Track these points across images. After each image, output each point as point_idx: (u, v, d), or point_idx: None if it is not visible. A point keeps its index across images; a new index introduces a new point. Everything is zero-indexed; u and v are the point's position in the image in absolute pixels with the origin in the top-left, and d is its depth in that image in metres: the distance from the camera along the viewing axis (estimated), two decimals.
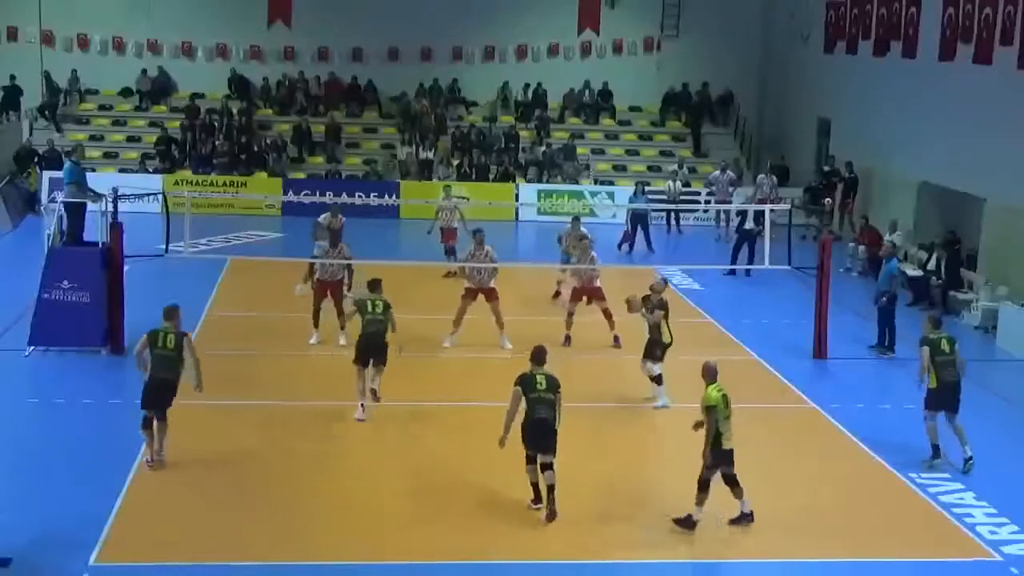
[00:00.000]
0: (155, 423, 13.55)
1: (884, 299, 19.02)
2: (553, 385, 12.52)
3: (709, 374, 12.35)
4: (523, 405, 12.42)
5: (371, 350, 15.27)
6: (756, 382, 17.72)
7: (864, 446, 15.09)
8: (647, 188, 29.33)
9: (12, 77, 33.51)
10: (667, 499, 13.61)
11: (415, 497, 13.06)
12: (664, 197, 29.83)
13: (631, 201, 27.79)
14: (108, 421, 15.29)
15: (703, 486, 12.16)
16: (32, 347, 17.74)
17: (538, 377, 12.51)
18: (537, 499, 12.62)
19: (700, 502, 12.20)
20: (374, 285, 15.74)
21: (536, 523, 12.48)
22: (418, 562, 11.56)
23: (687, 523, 12.28)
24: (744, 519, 12.43)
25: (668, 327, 16.09)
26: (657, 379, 16.01)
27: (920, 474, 14.10)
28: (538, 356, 12.72)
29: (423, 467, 13.95)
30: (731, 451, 12.28)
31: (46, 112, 33.65)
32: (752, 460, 14.62)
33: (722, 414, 12.12)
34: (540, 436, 12.35)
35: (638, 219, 27.30)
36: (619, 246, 26.90)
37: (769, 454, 14.90)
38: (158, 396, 13.54)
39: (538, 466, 12.40)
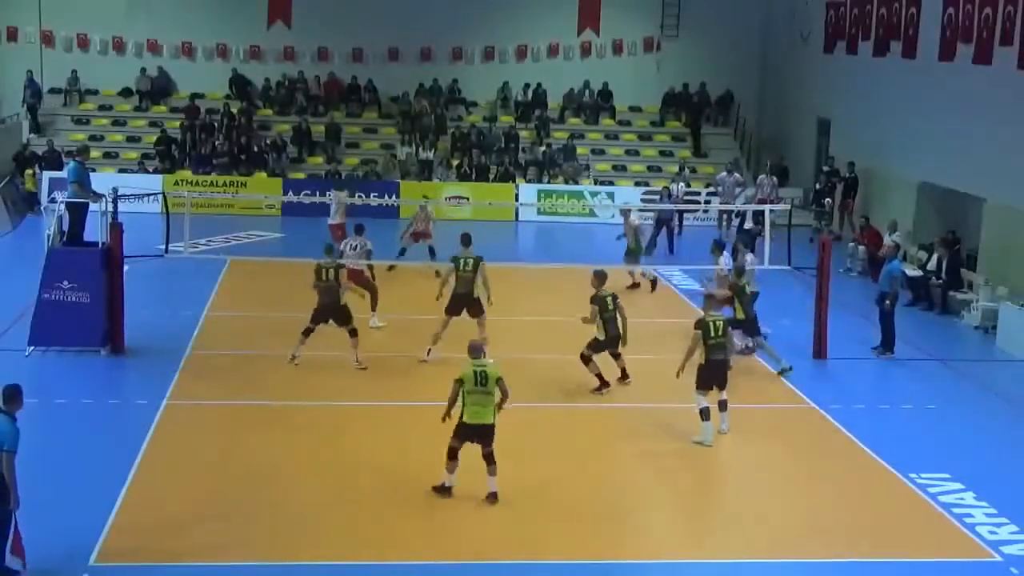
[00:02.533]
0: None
1: (887, 302, 18.92)
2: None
3: (471, 351, 12.88)
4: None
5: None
6: (756, 382, 17.73)
7: (864, 446, 15.08)
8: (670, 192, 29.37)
9: None
10: (669, 499, 13.63)
11: (415, 497, 13.04)
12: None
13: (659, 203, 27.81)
14: (108, 421, 15.29)
15: (450, 455, 12.79)
16: (32, 347, 17.74)
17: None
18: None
19: (450, 470, 12.82)
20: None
21: (536, 523, 12.49)
22: (418, 562, 11.56)
23: (441, 490, 12.89)
24: (490, 498, 12.77)
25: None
26: (701, 413, 14.91)
27: (920, 474, 14.10)
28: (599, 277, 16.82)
29: (424, 467, 13.93)
30: (475, 426, 12.66)
31: (29, 113, 33.64)
32: (752, 460, 14.68)
33: (466, 388, 12.60)
34: None
35: (663, 223, 27.27)
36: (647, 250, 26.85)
37: (769, 454, 14.91)
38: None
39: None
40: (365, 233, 20.01)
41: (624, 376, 16.95)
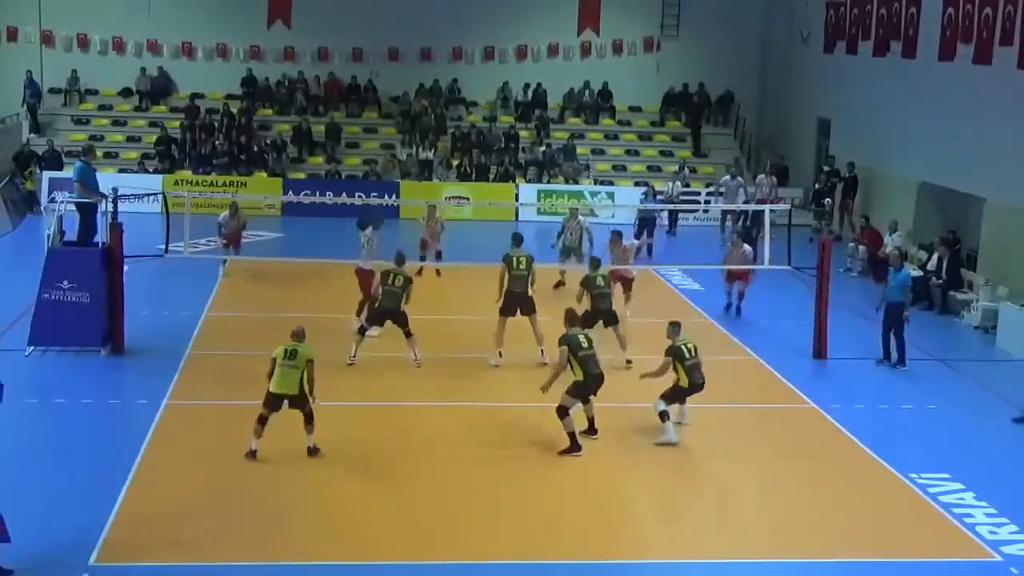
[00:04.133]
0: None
1: (905, 314, 18.43)
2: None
3: (293, 335, 13.98)
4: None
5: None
6: (756, 382, 17.73)
7: (864, 446, 15.08)
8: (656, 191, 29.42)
9: None
10: (668, 499, 13.63)
11: (415, 497, 13.05)
12: (661, 197, 29.88)
13: (641, 203, 27.78)
14: (108, 421, 15.30)
15: (259, 420, 13.67)
16: (32, 347, 17.73)
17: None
18: None
19: (257, 434, 13.70)
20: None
21: (536, 523, 12.50)
22: (418, 562, 11.56)
23: (249, 455, 13.71)
24: (312, 452, 13.90)
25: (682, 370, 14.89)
26: (661, 415, 14.82)
27: (920, 474, 14.10)
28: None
29: (423, 467, 13.95)
30: (279, 395, 13.63)
31: (29, 113, 33.66)
32: (752, 460, 14.67)
33: (278, 361, 13.65)
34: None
35: (646, 223, 27.22)
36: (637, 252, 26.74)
37: (769, 454, 14.90)
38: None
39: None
40: (370, 228, 19.86)
41: (592, 429, 14.83)
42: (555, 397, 14.55)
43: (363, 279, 19.20)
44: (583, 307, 17.21)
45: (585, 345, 14.46)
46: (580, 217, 22.98)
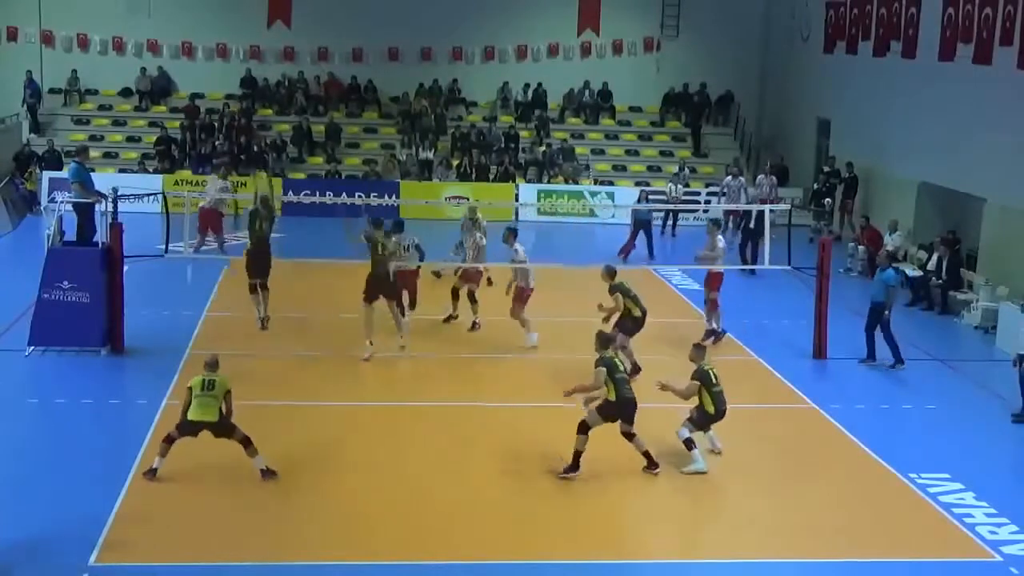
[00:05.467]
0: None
1: (887, 314, 18.35)
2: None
3: (206, 366, 13.53)
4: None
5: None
6: (756, 382, 17.72)
7: (864, 446, 15.09)
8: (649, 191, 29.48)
9: None
10: (667, 499, 13.62)
11: (415, 497, 13.06)
12: (663, 198, 29.87)
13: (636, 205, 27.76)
14: (108, 421, 15.31)
15: (166, 440, 13.29)
16: (32, 347, 17.74)
17: None
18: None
19: (161, 453, 13.27)
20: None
21: (536, 523, 12.49)
22: (417, 562, 11.56)
23: (149, 472, 13.17)
24: (266, 475, 13.33)
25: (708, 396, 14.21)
26: (687, 443, 14.19)
27: (920, 474, 14.11)
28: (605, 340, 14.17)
29: (423, 467, 13.95)
30: (197, 422, 13.19)
31: (29, 113, 33.66)
32: (752, 460, 14.67)
33: (195, 392, 13.21)
34: None
35: (641, 225, 27.14)
36: (620, 252, 26.66)
37: (769, 454, 14.90)
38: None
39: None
40: (405, 229, 19.50)
41: (651, 463, 13.92)
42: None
43: (404, 279, 19.27)
44: (608, 317, 17.16)
45: (621, 368, 13.86)
46: (478, 215, 22.74)
